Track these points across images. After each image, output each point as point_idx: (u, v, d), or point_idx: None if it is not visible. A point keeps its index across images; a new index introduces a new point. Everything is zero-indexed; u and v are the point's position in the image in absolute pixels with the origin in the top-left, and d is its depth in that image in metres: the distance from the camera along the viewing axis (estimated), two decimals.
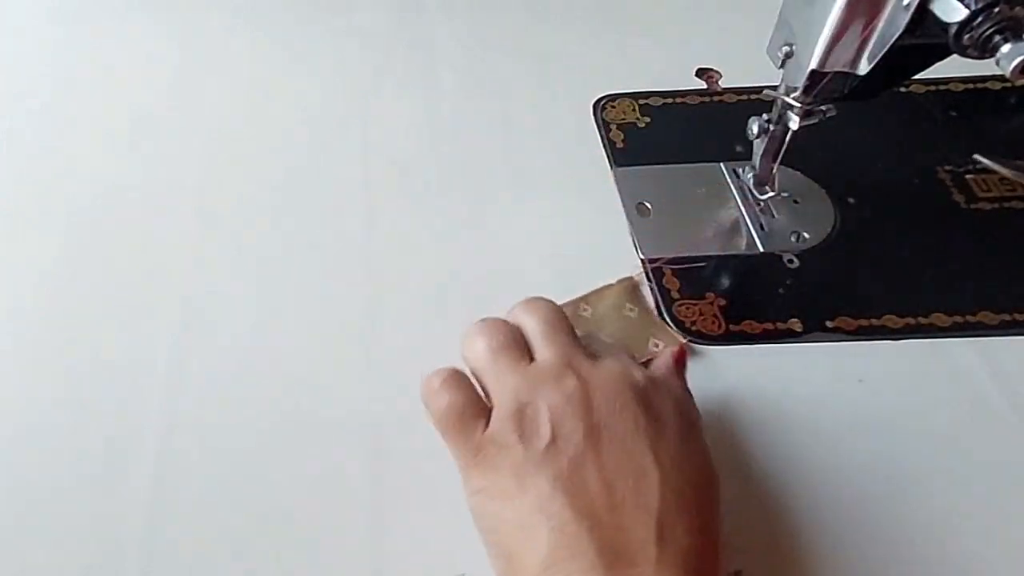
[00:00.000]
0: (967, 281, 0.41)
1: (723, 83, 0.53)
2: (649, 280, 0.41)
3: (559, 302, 0.39)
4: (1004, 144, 0.47)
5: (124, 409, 0.37)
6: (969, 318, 0.39)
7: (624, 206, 0.45)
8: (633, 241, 0.43)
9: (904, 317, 0.39)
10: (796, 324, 0.39)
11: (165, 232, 0.44)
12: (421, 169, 0.48)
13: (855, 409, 0.36)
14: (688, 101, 0.52)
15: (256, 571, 0.32)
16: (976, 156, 0.42)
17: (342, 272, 0.42)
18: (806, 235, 0.43)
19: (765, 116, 0.41)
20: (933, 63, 0.36)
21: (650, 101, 0.52)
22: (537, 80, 0.54)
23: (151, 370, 0.38)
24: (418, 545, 0.33)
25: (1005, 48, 0.29)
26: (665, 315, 0.40)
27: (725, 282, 0.42)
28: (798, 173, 0.46)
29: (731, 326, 0.40)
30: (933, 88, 0.51)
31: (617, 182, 0.47)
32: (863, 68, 0.35)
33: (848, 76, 0.36)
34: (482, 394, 0.31)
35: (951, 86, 0.51)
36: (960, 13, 0.30)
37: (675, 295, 0.41)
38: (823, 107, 0.38)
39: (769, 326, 0.40)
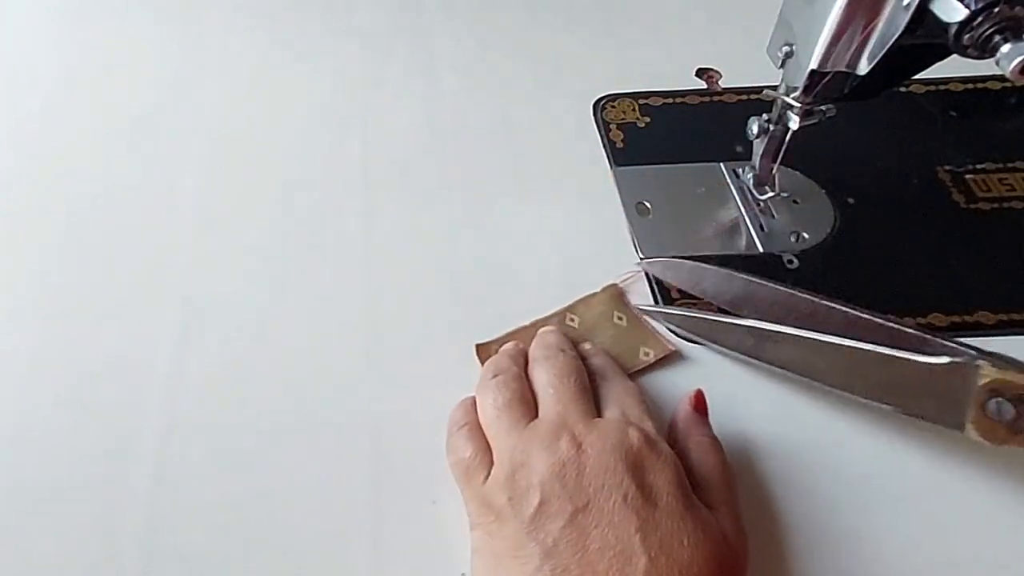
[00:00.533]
0: (966, 281, 0.41)
1: (723, 83, 0.53)
2: (649, 280, 0.41)
3: (548, 310, 0.39)
4: (1004, 144, 0.47)
5: (124, 409, 0.37)
6: (967, 318, 0.39)
7: (624, 206, 0.45)
8: (633, 241, 0.43)
9: (903, 317, 0.39)
10: None
11: (165, 232, 0.44)
12: (421, 169, 0.48)
13: (855, 408, 0.36)
14: (688, 101, 0.52)
15: (256, 571, 0.32)
16: None
17: (342, 272, 0.42)
18: (806, 235, 0.43)
19: (765, 116, 0.41)
20: (933, 63, 0.36)
21: (650, 101, 0.52)
22: (537, 80, 0.54)
23: (151, 370, 0.38)
24: (418, 545, 0.33)
25: (1005, 48, 0.29)
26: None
27: None
28: (798, 173, 0.46)
29: None
30: (933, 88, 0.51)
31: (617, 182, 0.47)
32: (863, 68, 0.35)
33: (848, 76, 0.36)
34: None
35: (951, 86, 0.51)
36: (960, 13, 0.30)
37: (675, 295, 0.41)
38: (823, 107, 0.39)
39: None
